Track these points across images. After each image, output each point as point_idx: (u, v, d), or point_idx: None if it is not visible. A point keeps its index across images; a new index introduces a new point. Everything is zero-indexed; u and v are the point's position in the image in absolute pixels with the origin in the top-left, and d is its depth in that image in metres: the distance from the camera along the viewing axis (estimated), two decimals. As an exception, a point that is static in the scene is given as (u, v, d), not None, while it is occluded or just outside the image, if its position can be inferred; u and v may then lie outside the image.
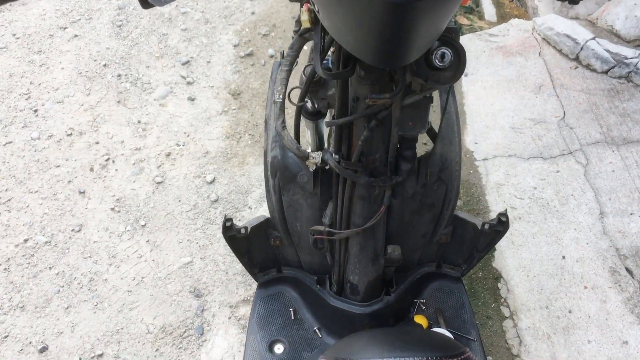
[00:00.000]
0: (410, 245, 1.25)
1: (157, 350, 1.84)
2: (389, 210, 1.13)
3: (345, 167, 0.98)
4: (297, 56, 1.05)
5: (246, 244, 1.26)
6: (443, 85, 0.81)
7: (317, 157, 1.01)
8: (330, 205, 1.13)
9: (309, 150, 1.22)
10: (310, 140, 1.47)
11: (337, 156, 0.99)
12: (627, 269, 1.97)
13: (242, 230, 1.21)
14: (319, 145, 1.49)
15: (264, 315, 1.36)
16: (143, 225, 2.12)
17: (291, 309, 1.37)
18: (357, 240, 1.12)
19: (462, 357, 0.73)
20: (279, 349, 1.31)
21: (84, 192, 2.21)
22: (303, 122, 1.37)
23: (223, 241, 2.07)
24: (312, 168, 1.06)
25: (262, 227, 1.25)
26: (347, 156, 1.00)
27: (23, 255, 2.03)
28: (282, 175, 1.13)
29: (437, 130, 1.12)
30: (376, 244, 1.13)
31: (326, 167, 1.09)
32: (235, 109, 2.53)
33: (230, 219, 1.18)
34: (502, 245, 2.07)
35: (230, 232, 1.19)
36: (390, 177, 1.01)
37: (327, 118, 1.36)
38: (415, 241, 1.26)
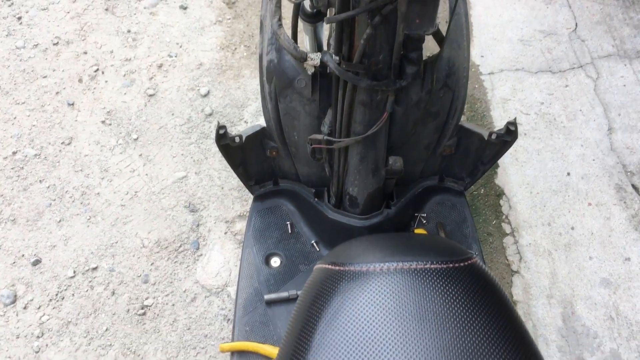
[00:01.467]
0: (412, 156, 1.20)
1: (152, 264, 1.82)
2: (391, 119, 1.06)
3: (345, 69, 0.91)
4: None
5: (241, 154, 1.20)
6: None
7: (315, 58, 0.94)
8: (330, 113, 1.06)
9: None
10: (308, 46, 1.38)
11: (337, 57, 0.91)
12: (634, 186, 1.92)
13: (237, 139, 1.14)
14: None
15: (260, 229, 1.33)
16: (135, 139, 2.05)
17: (288, 223, 1.33)
18: (357, 150, 1.05)
19: (469, 262, 0.68)
20: (275, 262, 1.28)
21: (73, 104, 2.12)
22: (301, 26, 1.28)
23: (218, 156, 2.01)
24: (310, 71, 0.99)
25: (258, 137, 1.19)
26: (348, 57, 0.92)
27: (12, 168, 1.97)
28: (278, 81, 1.05)
29: (444, 33, 1.04)
30: (377, 154, 1.07)
31: (327, 71, 1.02)
32: (229, 19, 2.40)
33: (224, 127, 1.11)
34: (505, 161, 2.01)
35: (224, 141, 1.13)
36: (394, 81, 0.93)
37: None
38: (418, 152, 1.20)
